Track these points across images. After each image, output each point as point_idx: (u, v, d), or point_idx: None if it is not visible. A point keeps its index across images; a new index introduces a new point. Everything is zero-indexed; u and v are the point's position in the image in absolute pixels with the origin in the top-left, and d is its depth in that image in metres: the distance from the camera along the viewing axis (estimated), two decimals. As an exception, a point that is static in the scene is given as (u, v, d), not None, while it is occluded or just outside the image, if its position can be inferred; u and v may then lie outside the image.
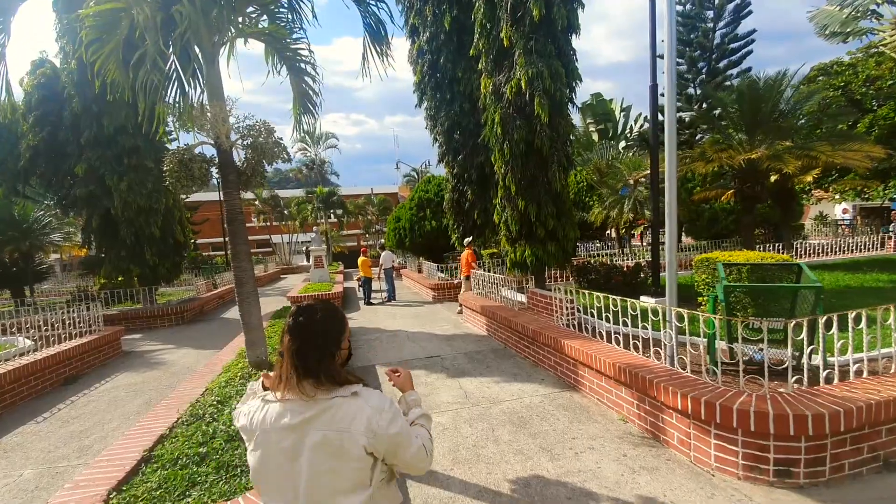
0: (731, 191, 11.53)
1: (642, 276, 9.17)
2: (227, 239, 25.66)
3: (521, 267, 9.30)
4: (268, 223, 37.81)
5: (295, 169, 34.64)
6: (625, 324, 4.97)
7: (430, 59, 14.46)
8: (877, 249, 15.98)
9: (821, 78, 18.30)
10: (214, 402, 4.20)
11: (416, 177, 31.43)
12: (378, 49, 6.05)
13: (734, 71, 19.38)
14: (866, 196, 24.72)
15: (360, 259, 14.56)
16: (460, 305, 11.03)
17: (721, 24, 19.26)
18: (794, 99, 8.97)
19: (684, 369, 4.04)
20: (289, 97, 6.11)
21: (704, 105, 19.71)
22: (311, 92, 5.90)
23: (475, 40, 9.71)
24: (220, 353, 7.39)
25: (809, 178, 9.17)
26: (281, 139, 5.12)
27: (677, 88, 21.05)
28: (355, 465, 1.35)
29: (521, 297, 8.37)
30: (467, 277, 11.25)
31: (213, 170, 5.34)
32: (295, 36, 5.40)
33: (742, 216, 9.91)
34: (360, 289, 14.66)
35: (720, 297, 4.20)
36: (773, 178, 9.69)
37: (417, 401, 1.73)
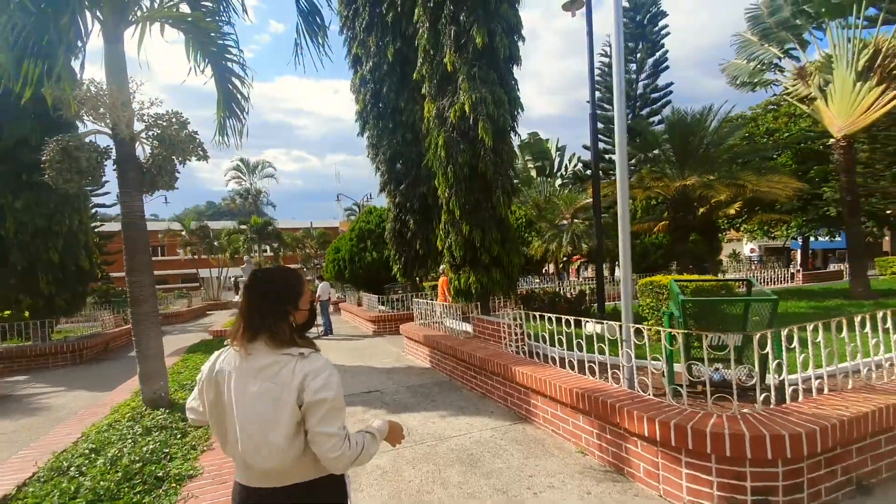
0: (665, 221, 12.01)
1: (586, 303, 9.10)
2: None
3: (466, 295, 8.94)
4: (195, 256, 35.27)
5: (227, 199, 32.82)
6: (578, 347, 4.67)
7: (373, 89, 14.31)
8: (787, 282, 17.37)
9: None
10: (87, 451, 3.34)
11: (357, 211, 30.81)
12: (312, 38, 5.58)
13: (655, 119, 20.91)
14: (772, 235, 27.10)
15: (295, 290, 13.62)
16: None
17: (643, 76, 20.92)
18: (718, 134, 9.59)
19: (646, 391, 3.75)
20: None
21: (632, 145, 21.00)
22: (238, 95, 5.34)
23: (419, 65, 9.60)
24: (113, 392, 6.29)
25: (732, 211, 9.71)
26: (196, 133, 4.49)
27: (604, 131, 22.33)
28: (289, 418, 1.43)
29: (467, 327, 7.96)
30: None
31: (110, 165, 4.57)
32: (224, 31, 4.88)
33: (675, 245, 10.30)
34: (294, 323, 13.64)
35: (675, 312, 4.01)
36: (700, 211, 10.19)
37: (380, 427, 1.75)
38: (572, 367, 4.68)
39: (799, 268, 17.58)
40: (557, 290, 11.05)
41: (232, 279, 29.59)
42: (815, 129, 12.03)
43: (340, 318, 18.90)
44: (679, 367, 3.94)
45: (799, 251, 34.16)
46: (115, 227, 25.06)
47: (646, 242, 16.42)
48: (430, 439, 4.70)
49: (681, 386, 3.60)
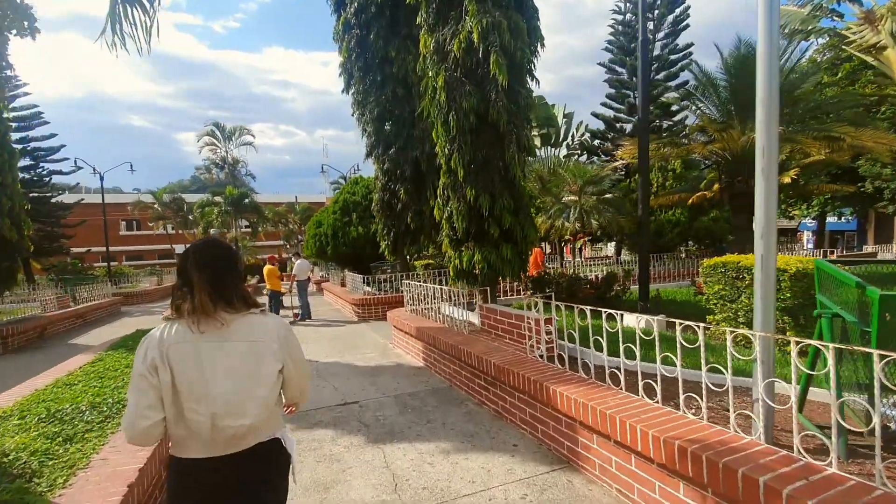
0: (701, 192, 10.27)
1: (618, 288, 7.49)
2: (108, 247, 21.46)
3: (469, 277, 7.27)
4: (173, 230, 33.10)
5: (201, 169, 30.36)
6: (628, 353, 3.05)
7: (359, 35, 12.29)
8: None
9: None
10: None
11: (345, 183, 28.81)
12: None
13: (672, 83, 19.12)
14: (790, 215, 25.68)
15: (267, 268, 11.82)
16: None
17: (660, 35, 18.98)
18: (789, 80, 7.90)
19: (803, 453, 2.13)
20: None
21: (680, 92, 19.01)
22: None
23: (413, -13, 7.69)
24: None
25: (787, 179, 8.13)
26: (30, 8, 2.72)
27: (616, 97, 20.44)
28: (269, 369, 1.59)
29: (472, 317, 6.31)
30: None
31: None
32: None
33: (733, 217, 8.64)
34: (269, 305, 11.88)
35: (848, 317, 2.36)
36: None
37: None
38: (634, 389, 3.06)
39: (828, 248, 16.11)
40: (574, 271, 9.42)
41: None
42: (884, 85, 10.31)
43: (322, 299, 17.19)
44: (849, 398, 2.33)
45: (806, 233, 32.93)
46: (70, 199, 22.87)
47: (661, 219, 14.84)
48: (430, 499, 3.07)
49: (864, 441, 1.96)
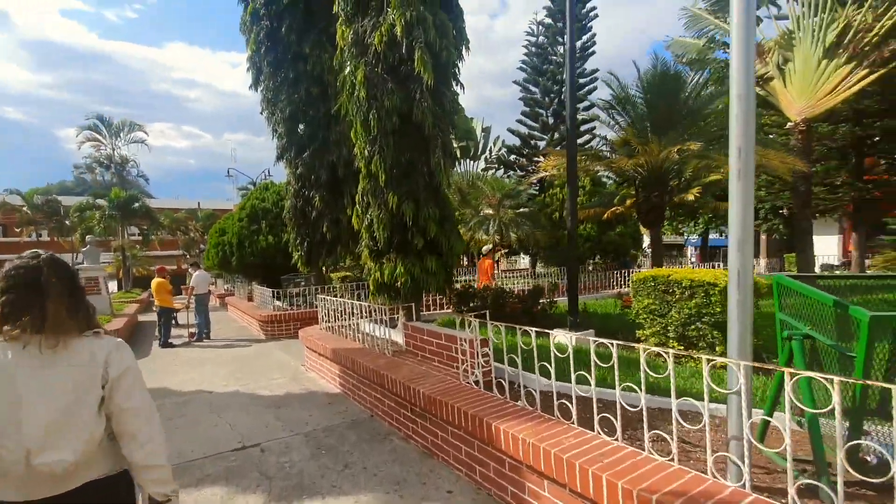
0: (613, 209, 10.59)
1: (543, 302, 7.28)
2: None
3: (390, 291, 6.65)
4: (49, 237, 28.47)
5: (81, 168, 26.40)
6: (581, 380, 2.68)
7: (269, 28, 11.29)
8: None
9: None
10: None
11: (254, 189, 26.71)
12: None
13: (580, 105, 20.05)
14: (681, 231, 28.06)
15: (155, 282, 10.24)
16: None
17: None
18: (700, 98, 8.32)
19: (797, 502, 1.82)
20: None
21: (556, 135, 19.88)
22: None
23: (329, -28, 7.03)
24: None
25: (691, 197, 8.56)
26: None
27: (530, 115, 21.01)
28: (95, 398, 1.43)
29: (396, 336, 5.70)
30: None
31: None
32: None
33: (651, 230, 8.88)
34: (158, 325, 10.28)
35: (826, 340, 2.12)
36: (675, 189, 8.86)
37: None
38: (608, 428, 2.67)
39: (711, 263, 17.63)
40: (495, 284, 9.16)
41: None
42: (768, 114, 11.36)
43: (226, 315, 15.53)
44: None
45: (690, 248, 36.33)
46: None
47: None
48: (346, 582, 2.41)
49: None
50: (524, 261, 33.08)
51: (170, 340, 10.02)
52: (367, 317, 6.39)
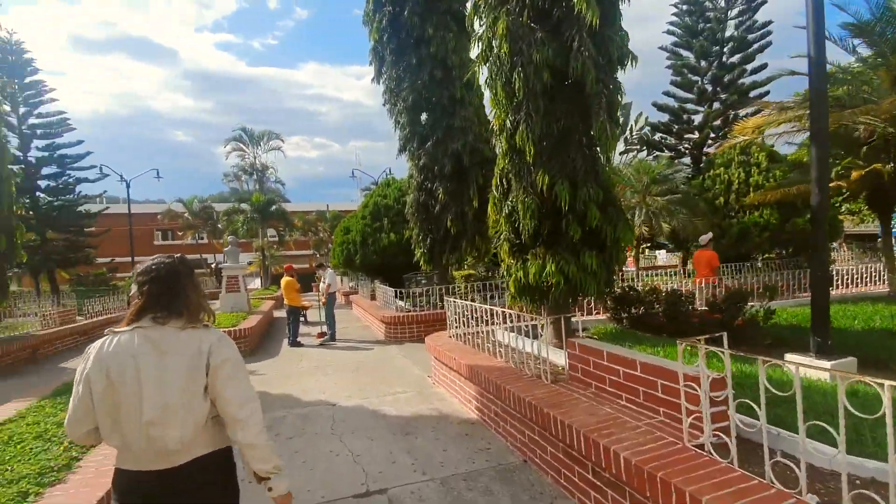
0: (844, 180, 7.79)
1: (752, 312, 5.34)
2: (133, 256, 20.59)
3: (534, 294, 5.36)
4: (206, 240, 32.53)
5: (229, 176, 29.62)
6: None
7: (391, 13, 10.71)
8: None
9: None
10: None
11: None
12: None
13: (749, 66, 16.67)
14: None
15: (284, 280, 10.22)
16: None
17: (733, 13, 16.58)
18: None
19: None
20: None
21: (715, 104, 16.74)
22: None
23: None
24: None
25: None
26: None
27: (684, 85, 17.99)
28: (200, 384, 1.56)
29: (555, 356, 4.38)
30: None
31: None
32: None
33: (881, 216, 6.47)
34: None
35: None
36: None
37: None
38: None
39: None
40: (670, 287, 7.32)
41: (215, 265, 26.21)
42: None
43: (351, 313, 15.56)
44: None
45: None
46: (92, 207, 22.20)
47: (746, 221, 12.49)
48: None
49: None
50: (660, 256, 29.23)
51: (298, 339, 9.89)
52: (501, 323, 5.19)
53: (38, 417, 3.73)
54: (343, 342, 10.09)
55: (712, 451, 2.50)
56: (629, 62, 4.93)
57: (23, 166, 19.85)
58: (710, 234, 8.64)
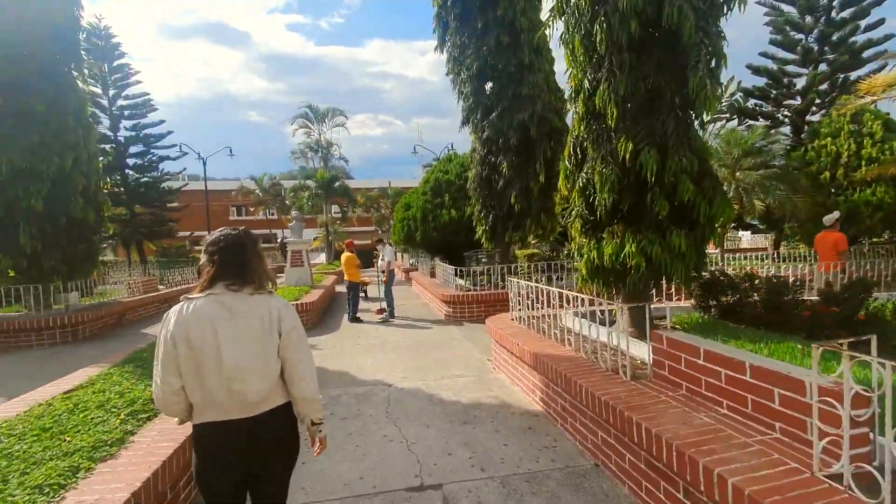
0: None
1: (876, 307, 4.48)
2: (209, 230, 21.80)
3: (608, 277, 4.83)
4: (276, 215, 34.06)
5: (296, 153, 30.52)
6: None
7: (457, -26, 10.12)
8: None
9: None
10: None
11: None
12: None
13: (862, 23, 14.36)
14: None
15: (345, 256, 10.22)
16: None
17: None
18: None
19: None
20: None
21: (822, 66, 14.63)
22: None
23: None
24: None
25: None
26: None
27: (784, 44, 15.84)
28: (272, 345, 1.76)
29: (637, 349, 3.85)
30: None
31: None
32: None
33: None
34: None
35: None
36: None
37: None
38: None
39: None
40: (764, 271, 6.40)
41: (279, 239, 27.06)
42: None
43: (410, 290, 15.53)
44: None
45: None
46: (173, 184, 23.80)
47: (854, 200, 10.89)
48: None
49: None
50: (744, 237, 26.71)
51: (357, 315, 9.90)
52: (570, 308, 4.70)
53: (104, 385, 3.78)
54: (402, 320, 9.98)
55: (852, 487, 1.95)
56: (737, 5, 4.13)
57: (113, 145, 21.44)
58: (836, 213, 7.41)
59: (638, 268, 4.39)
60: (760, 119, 15.47)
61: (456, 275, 10.59)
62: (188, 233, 25.37)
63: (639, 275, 4.46)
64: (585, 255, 4.91)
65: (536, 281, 10.14)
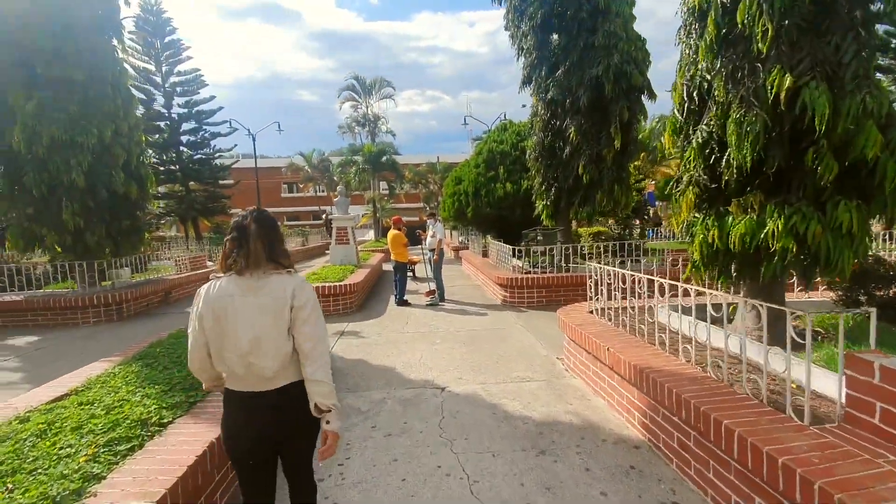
0: None
1: None
2: (259, 207, 21.77)
3: (732, 264, 3.63)
4: (325, 192, 34.03)
5: (343, 128, 29.90)
6: None
7: None
8: None
9: None
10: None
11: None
12: None
13: None
14: None
15: (391, 234, 9.36)
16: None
17: None
18: None
19: None
20: None
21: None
22: None
23: None
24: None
25: None
26: None
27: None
28: (284, 323, 1.79)
29: (775, 363, 2.70)
30: None
31: None
32: None
33: None
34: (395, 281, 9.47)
35: None
36: None
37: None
38: None
39: None
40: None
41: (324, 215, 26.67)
42: None
43: (460, 269, 14.61)
44: None
45: None
46: (223, 163, 23.96)
47: None
48: None
49: None
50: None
51: (405, 298, 9.10)
52: (661, 298, 3.58)
53: (97, 393, 3.10)
54: (452, 303, 9.09)
55: None
56: None
57: (167, 122, 21.62)
58: None
59: (784, 253, 3.18)
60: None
61: (513, 255, 9.52)
62: (241, 210, 25.62)
63: (783, 262, 3.24)
64: (699, 236, 3.71)
65: (605, 263, 8.94)
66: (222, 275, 1.84)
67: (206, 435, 2.58)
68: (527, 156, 9.87)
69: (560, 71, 8.52)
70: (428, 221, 10.17)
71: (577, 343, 4.65)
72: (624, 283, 4.39)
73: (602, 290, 4.88)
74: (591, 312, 5.08)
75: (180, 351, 3.96)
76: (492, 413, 3.97)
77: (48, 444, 2.40)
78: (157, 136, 21.10)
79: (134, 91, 10.06)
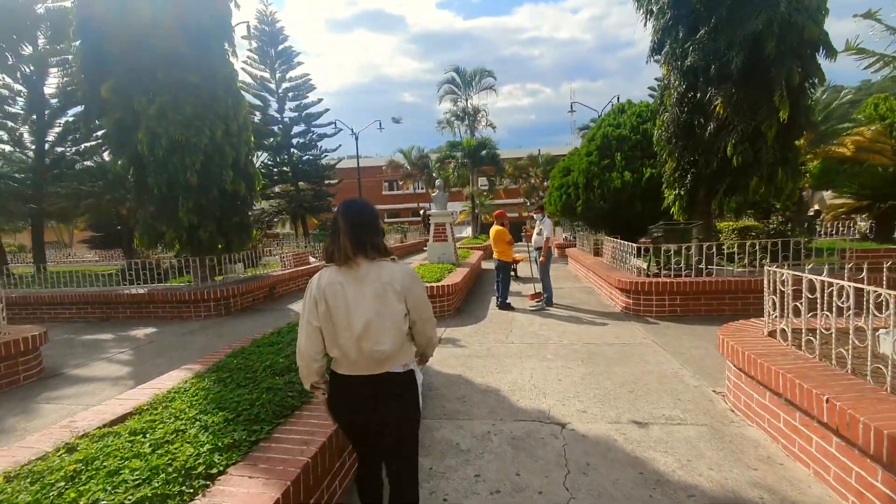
0: None
1: None
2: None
3: None
4: (423, 189, 34.30)
5: (442, 123, 29.46)
6: None
7: None
8: None
9: None
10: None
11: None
12: None
13: None
14: None
15: (494, 230, 8.44)
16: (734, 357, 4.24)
17: None
18: None
19: None
20: None
21: None
22: None
23: None
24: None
25: None
26: None
27: None
28: (395, 308, 1.88)
29: None
30: None
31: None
32: None
33: None
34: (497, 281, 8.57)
35: None
36: None
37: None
38: None
39: None
40: None
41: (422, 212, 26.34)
42: None
43: (566, 269, 13.29)
44: None
45: None
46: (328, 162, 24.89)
47: None
48: None
49: None
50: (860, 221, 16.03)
51: (508, 301, 8.17)
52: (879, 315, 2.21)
53: (153, 417, 2.64)
54: (561, 309, 7.97)
55: None
56: None
57: (280, 126, 22.92)
58: None
59: None
60: None
61: (637, 255, 8.11)
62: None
63: None
64: None
65: (752, 265, 7.19)
66: (329, 265, 1.93)
67: (255, 500, 1.91)
68: (654, 138, 8.38)
69: (703, 31, 6.97)
70: (535, 216, 9.09)
71: (754, 379, 3.37)
72: (832, 296, 3.05)
73: (785, 304, 3.53)
74: (773, 335, 3.74)
75: (257, 364, 3.45)
76: (638, 474, 2.90)
77: (73, 494, 1.88)
78: (271, 139, 22.48)
79: (251, 98, 10.47)
